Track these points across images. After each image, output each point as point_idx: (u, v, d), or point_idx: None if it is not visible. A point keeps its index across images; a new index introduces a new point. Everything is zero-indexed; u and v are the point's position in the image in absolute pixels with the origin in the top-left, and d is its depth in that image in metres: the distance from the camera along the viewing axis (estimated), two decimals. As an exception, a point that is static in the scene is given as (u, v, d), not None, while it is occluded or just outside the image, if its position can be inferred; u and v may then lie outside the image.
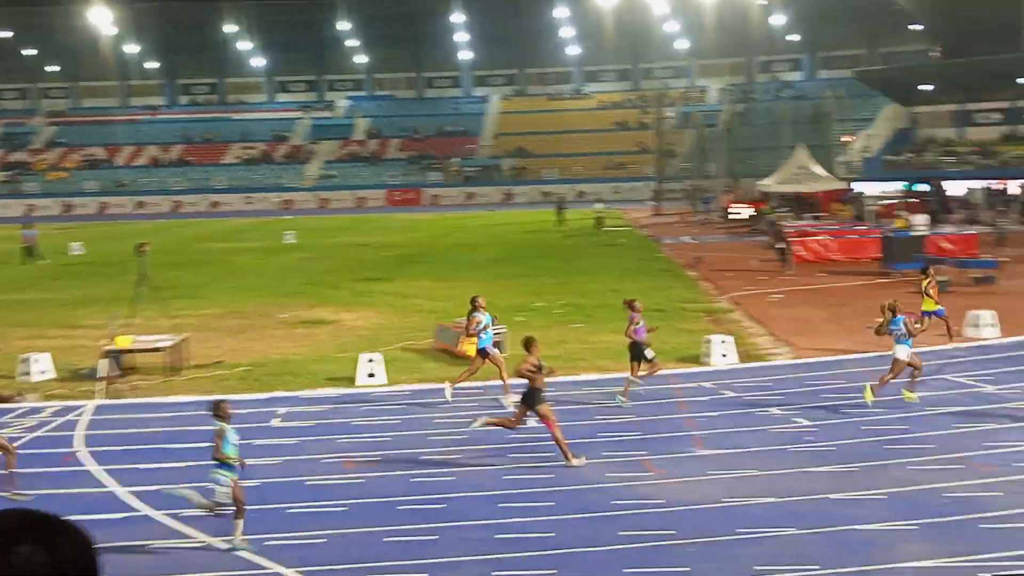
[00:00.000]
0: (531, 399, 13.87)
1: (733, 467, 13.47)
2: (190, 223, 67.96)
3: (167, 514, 12.17)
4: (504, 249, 43.96)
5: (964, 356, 20.08)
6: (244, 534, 11.08)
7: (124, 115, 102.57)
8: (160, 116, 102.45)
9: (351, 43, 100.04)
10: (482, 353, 17.49)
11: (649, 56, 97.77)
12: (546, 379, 14.15)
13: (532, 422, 14.37)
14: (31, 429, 16.34)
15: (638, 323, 16.78)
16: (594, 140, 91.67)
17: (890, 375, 16.16)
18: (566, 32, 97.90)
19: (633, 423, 15.92)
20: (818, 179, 50.20)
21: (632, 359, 16.92)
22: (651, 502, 12.20)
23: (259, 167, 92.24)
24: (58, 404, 17.86)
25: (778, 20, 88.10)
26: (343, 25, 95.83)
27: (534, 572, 10.38)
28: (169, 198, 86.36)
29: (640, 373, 16.96)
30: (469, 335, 17.72)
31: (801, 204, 50.04)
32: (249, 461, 14.20)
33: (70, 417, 16.99)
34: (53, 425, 16.60)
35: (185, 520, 11.96)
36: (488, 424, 14.39)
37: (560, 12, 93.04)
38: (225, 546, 11.04)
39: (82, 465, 14.33)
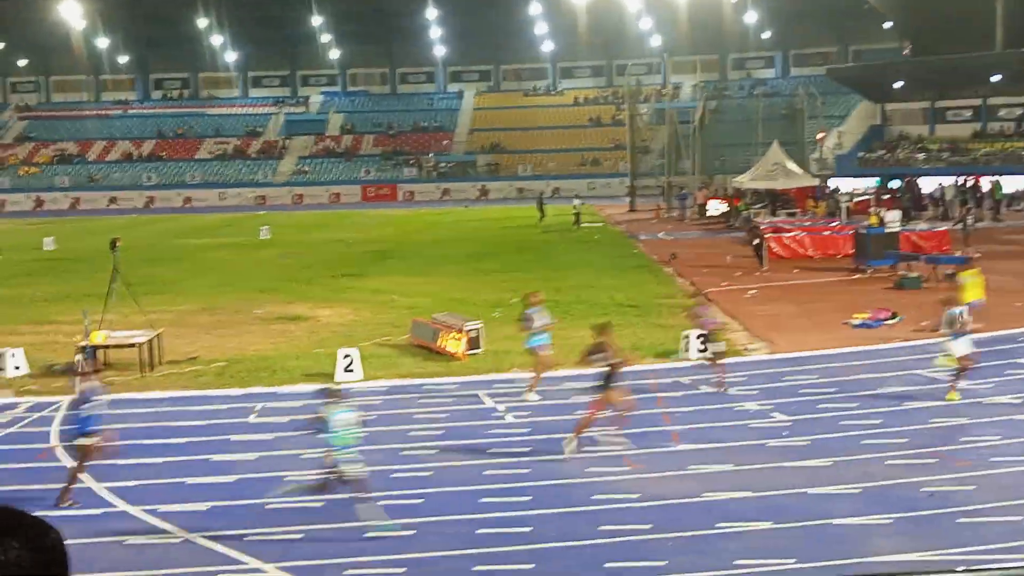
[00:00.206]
0: (607, 381, 14.04)
1: (711, 461, 13.54)
2: (163, 219, 67.50)
3: (144, 510, 12.11)
4: (480, 245, 43.93)
5: (939, 351, 20.25)
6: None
7: (96, 110, 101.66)
8: (132, 111, 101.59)
9: (325, 38, 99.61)
10: (532, 351, 17.40)
11: (623, 53, 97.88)
12: (603, 363, 14.14)
13: (512, 418, 14.37)
14: (5, 425, 16.20)
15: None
16: (569, 136, 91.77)
17: (960, 372, 16.22)
18: (540, 28, 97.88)
19: (611, 419, 15.94)
20: (792, 176, 50.42)
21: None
22: (630, 496, 12.25)
23: (233, 162, 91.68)
24: (32, 400, 17.72)
25: (751, 18, 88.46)
26: (316, 20, 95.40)
27: (514, 567, 10.40)
28: (142, 193, 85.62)
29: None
30: (525, 331, 17.58)
31: (775, 200, 50.28)
32: (225, 457, 14.21)
33: (45, 413, 16.86)
34: (28, 421, 16.47)
35: (163, 516, 11.90)
36: (578, 434, 14.12)
37: (535, 8, 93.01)
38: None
39: (58, 461, 14.22)
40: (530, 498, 12.26)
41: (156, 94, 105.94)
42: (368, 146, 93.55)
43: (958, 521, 11.21)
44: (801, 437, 14.58)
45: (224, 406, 17.23)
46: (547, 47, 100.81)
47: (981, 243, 36.80)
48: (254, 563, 10.57)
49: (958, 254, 31.35)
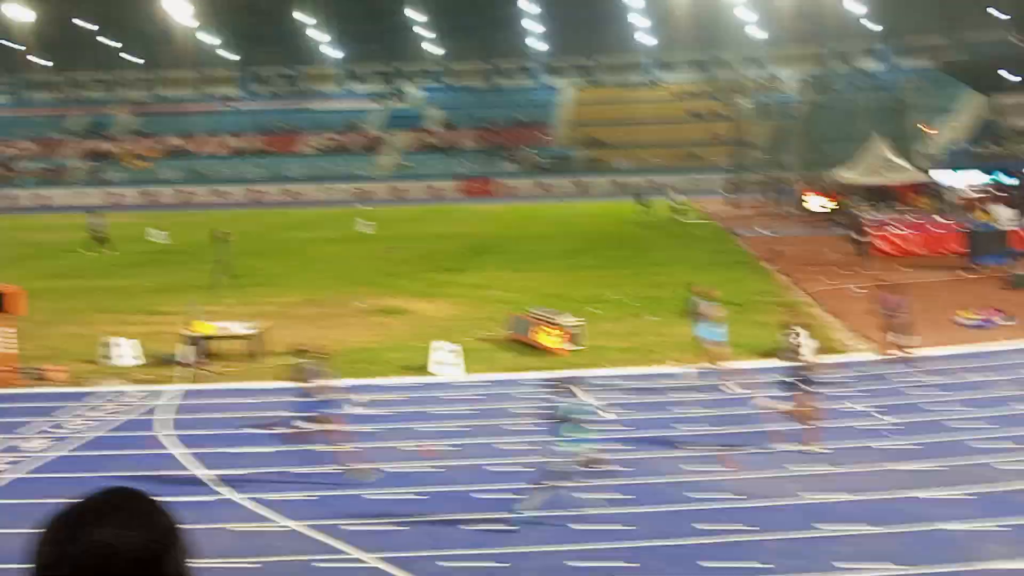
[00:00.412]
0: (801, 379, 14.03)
1: (809, 462, 13.36)
2: (266, 212, 68.99)
3: (250, 498, 12.44)
4: (578, 240, 43.93)
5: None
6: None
7: (201, 105, 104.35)
8: (235, 106, 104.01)
9: (423, 32, 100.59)
10: (702, 340, 17.59)
11: (724, 45, 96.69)
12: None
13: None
14: (118, 413, 16.79)
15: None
16: (668, 130, 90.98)
17: None
18: (639, 21, 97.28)
19: (710, 417, 15.86)
20: (898, 170, 49.29)
21: None
22: (727, 496, 12.17)
23: (333, 157, 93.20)
24: (144, 389, 18.32)
25: (856, 8, 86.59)
26: (415, 14, 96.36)
27: (609, 564, 10.43)
28: (246, 187, 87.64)
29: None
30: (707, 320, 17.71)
31: (881, 196, 49.20)
32: (329, 448, 14.49)
33: (155, 401, 17.42)
34: (140, 410, 17.04)
35: (268, 504, 12.21)
36: (809, 434, 14.08)
37: (633, 0, 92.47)
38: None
39: (168, 448, 14.70)
40: (627, 495, 12.26)
41: (259, 89, 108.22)
42: (467, 140, 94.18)
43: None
44: (906, 439, 14.28)
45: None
46: (646, 39, 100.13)
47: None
48: (355, 553, 10.79)
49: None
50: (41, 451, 14.68)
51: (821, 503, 11.89)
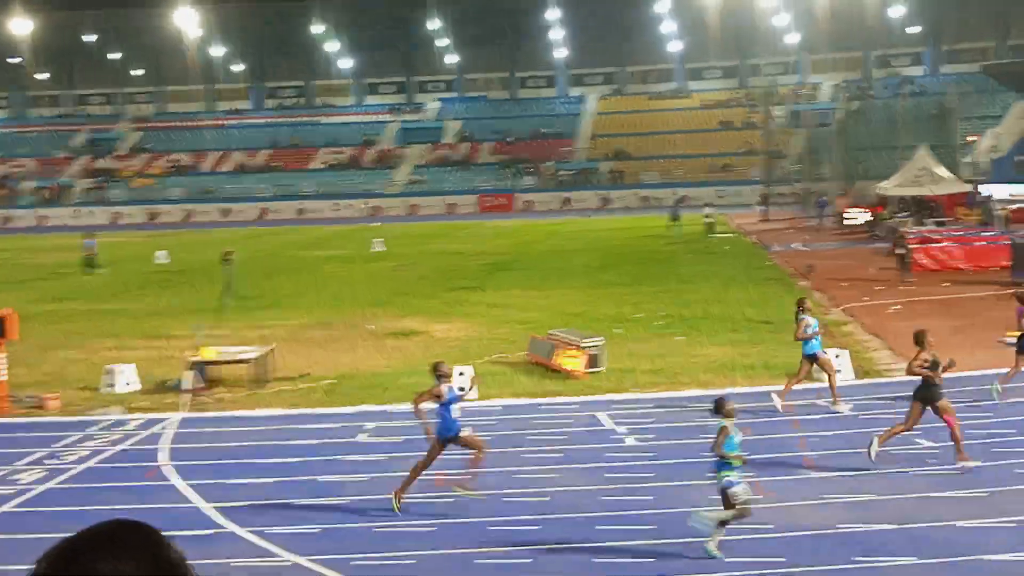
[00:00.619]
0: (927, 395, 13.93)
1: (849, 491, 13.20)
2: (277, 231, 69.28)
3: (252, 531, 12.40)
4: (601, 256, 43.87)
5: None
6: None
7: (210, 120, 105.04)
8: (246, 120, 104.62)
9: (441, 43, 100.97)
10: (811, 358, 17.57)
11: (756, 51, 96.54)
12: (943, 374, 14.11)
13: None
14: (116, 442, 16.80)
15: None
16: (697, 141, 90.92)
17: None
18: (667, 27, 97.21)
19: (741, 443, 15.69)
20: (941, 181, 49.01)
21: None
22: (761, 527, 12.02)
23: (347, 172, 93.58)
24: (143, 417, 18.34)
25: (897, 11, 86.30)
26: (433, 24, 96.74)
27: None
28: (256, 205, 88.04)
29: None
30: (797, 338, 17.76)
31: (923, 208, 48.93)
32: (335, 478, 14.45)
33: (155, 430, 17.43)
34: (138, 438, 17.04)
35: (271, 538, 12.16)
36: (883, 441, 14.18)
37: (661, 6, 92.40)
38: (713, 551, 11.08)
39: (167, 480, 14.68)
40: (653, 526, 12.14)
41: (270, 103, 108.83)
42: (485, 154, 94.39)
43: None
44: (950, 465, 14.10)
45: (335, 425, 17.55)
46: (674, 47, 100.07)
47: None
48: (362, 589, 10.72)
49: None
50: (30, 483, 14.68)
51: (860, 531, 11.73)
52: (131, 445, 16.66)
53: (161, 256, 47.94)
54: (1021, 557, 10.88)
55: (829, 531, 11.84)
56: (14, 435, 17.41)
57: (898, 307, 27.74)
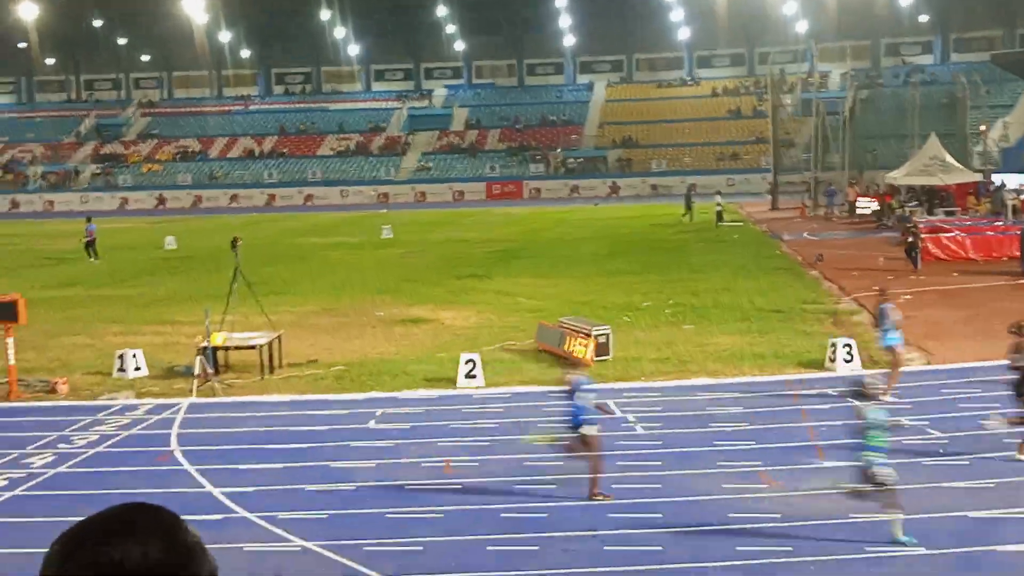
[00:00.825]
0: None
1: (858, 480, 13.18)
2: (285, 217, 69.34)
3: (262, 516, 12.44)
4: (609, 244, 43.84)
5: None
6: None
7: (217, 106, 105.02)
8: (254, 107, 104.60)
9: (449, 29, 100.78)
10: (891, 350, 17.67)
11: (766, 39, 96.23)
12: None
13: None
14: (126, 427, 16.87)
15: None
16: (706, 129, 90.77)
17: None
18: (676, 15, 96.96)
19: (750, 432, 15.72)
20: (951, 171, 48.87)
21: None
22: (769, 516, 12.04)
23: (355, 159, 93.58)
24: (152, 402, 18.40)
25: (906, 0, 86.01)
26: (441, 10, 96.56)
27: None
28: (263, 191, 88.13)
29: None
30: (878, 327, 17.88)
31: (932, 198, 48.82)
32: (345, 464, 14.49)
33: (165, 415, 17.49)
34: (148, 423, 17.11)
35: (281, 523, 12.21)
36: (1013, 423, 14.13)
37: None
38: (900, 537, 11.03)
39: (178, 464, 14.74)
40: (661, 515, 12.16)
41: (278, 89, 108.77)
42: (493, 141, 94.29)
43: None
44: (960, 456, 14.10)
45: (344, 411, 17.59)
46: (683, 34, 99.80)
47: None
48: (372, 575, 10.76)
49: None
50: (41, 467, 14.75)
51: (870, 521, 11.74)
52: (141, 430, 16.72)
53: (170, 242, 47.99)
54: (1031, 547, 10.88)
55: (840, 520, 11.85)
56: (25, 419, 17.48)
57: (908, 296, 27.69)
